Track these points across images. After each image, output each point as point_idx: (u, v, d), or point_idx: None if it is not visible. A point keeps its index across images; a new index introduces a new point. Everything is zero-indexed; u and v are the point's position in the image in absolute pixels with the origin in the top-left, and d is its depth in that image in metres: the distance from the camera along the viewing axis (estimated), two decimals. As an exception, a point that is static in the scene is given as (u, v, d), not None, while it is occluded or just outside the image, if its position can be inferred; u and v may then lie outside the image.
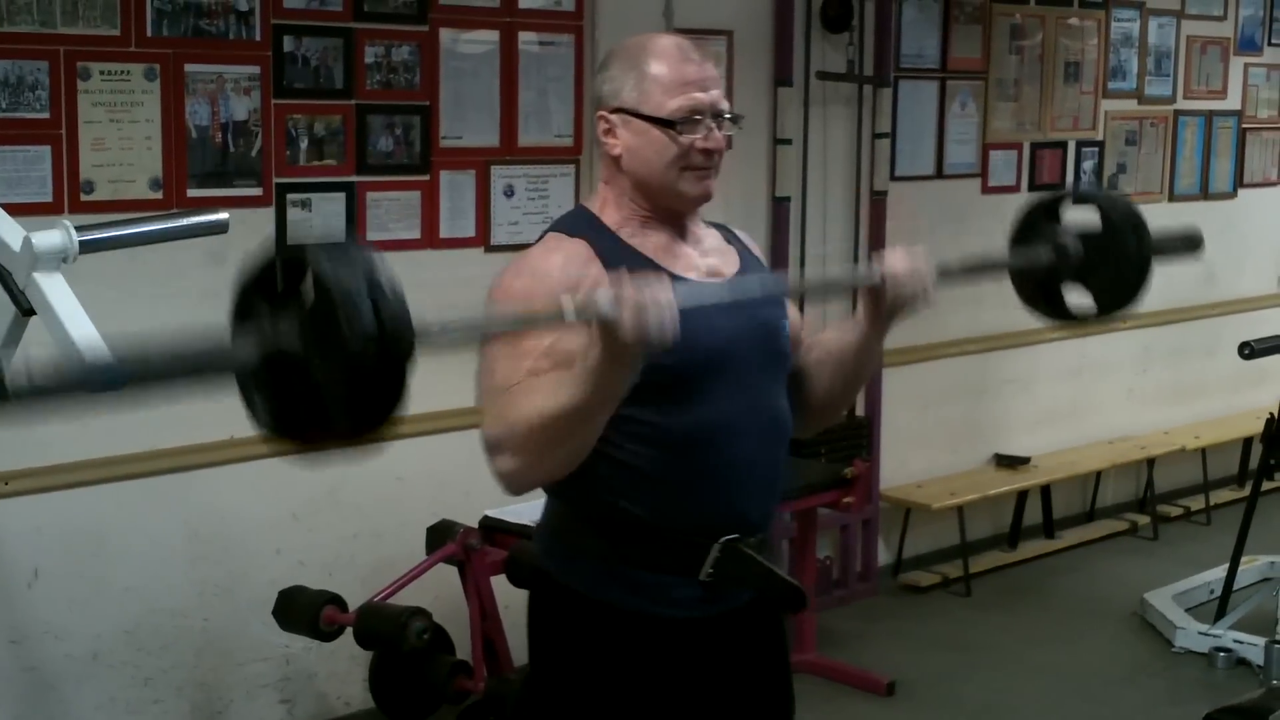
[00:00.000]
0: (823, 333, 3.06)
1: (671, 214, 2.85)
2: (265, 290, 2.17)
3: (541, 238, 2.86)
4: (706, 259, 2.88)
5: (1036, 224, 3.13)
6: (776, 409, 2.89)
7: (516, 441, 2.60)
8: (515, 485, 2.70)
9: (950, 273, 2.92)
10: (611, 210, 2.85)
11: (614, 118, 2.82)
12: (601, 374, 2.49)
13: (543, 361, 2.61)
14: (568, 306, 2.42)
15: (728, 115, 2.84)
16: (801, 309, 3.05)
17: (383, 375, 2.09)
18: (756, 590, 2.89)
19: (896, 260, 2.82)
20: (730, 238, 2.99)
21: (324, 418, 2.10)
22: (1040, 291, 3.14)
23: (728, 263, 2.91)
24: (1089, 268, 3.05)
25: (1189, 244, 3.28)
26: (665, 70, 2.79)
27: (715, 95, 2.82)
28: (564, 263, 2.72)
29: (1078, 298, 3.11)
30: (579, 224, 2.85)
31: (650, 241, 2.82)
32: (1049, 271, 3.07)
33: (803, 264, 6.49)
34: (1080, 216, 3.10)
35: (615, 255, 2.74)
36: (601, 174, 2.91)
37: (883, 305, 2.83)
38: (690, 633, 2.83)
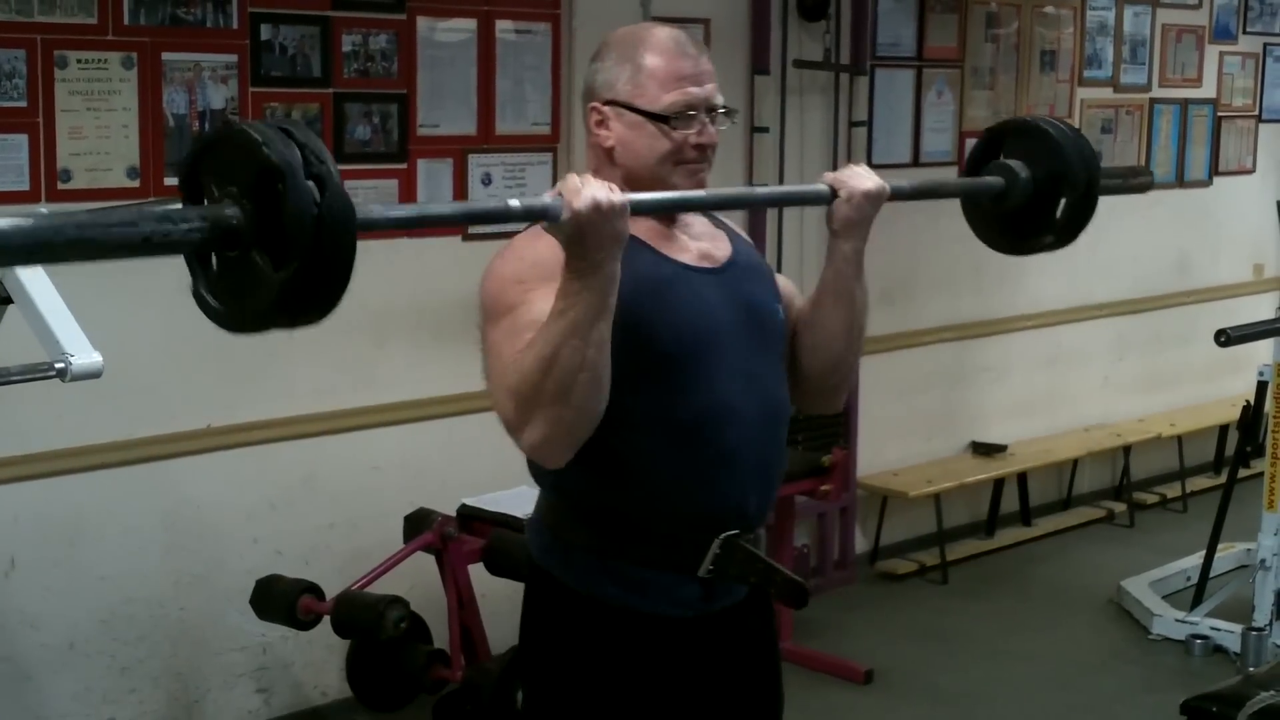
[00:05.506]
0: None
1: None
2: (210, 171, 2.14)
3: (527, 227, 2.80)
4: (698, 243, 2.84)
5: (987, 152, 3.19)
6: (774, 394, 2.85)
7: (529, 399, 2.52)
8: (548, 451, 2.60)
9: (901, 192, 2.95)
10: None
11: (607, 109, 2.78)
12: (578, 276, 2.45)
13: None
14: (514, 202, 2.41)
15: (722, 109, 2.82)
16: (782, 271, 3.02)
17: (323, 253, 2.06)
18: (758, 587, 2.85)
19: (839, 171, 2.87)
20: (717, 223, 2.95)
21: (266, 297, 2.05)
22: (990, 220, 3.17)
23: (719, 247, 2.88)
24: (1038, 195, 3.09)
25: (1135, 175, 3.31)
26: (661, 64, 2.76)
27: (710, 90, 2.79)
28: (552, 244, 2.58)
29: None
30: None
31: (640, 227, 2.71)
32: (997, 198, 3.10)
33: (780, 252, 6.50)
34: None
35: None
36: (589, 164, 2.85)
37: (842, 208, 2.83)
38: (687, 631, 2.79)
